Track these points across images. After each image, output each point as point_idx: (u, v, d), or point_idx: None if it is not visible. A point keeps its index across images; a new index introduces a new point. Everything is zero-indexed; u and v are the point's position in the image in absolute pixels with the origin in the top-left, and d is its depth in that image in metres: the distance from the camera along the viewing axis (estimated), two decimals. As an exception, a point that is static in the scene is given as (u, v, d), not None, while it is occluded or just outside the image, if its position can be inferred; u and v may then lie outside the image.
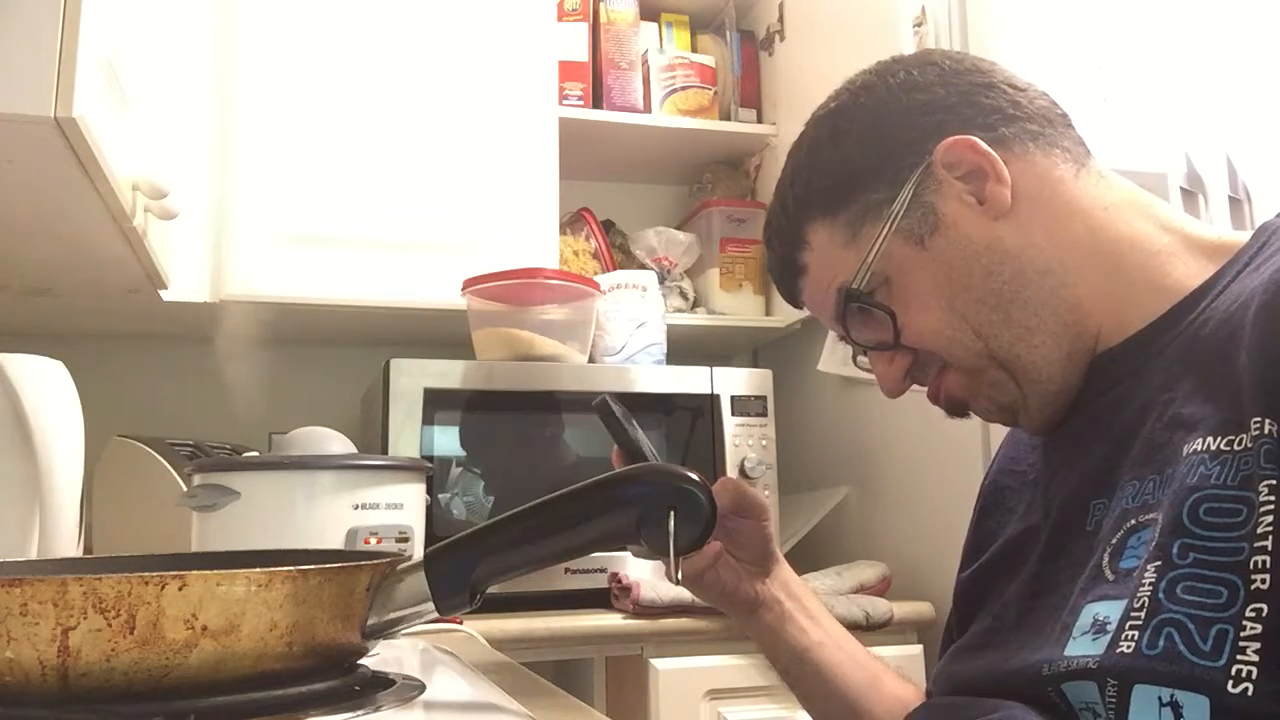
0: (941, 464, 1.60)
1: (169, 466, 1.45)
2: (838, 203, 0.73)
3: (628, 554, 0.80)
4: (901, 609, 1.57)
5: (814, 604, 0.88)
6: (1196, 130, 1.50)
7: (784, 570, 0.87)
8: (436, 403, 1.59)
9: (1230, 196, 1.50)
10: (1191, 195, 1.47)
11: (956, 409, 0.75)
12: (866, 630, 1.50)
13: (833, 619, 0.89)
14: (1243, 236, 0.68)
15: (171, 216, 1.26)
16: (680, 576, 0.69)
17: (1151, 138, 1.47)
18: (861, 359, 0.78)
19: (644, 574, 1.53)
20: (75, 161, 0.99)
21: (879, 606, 1.54)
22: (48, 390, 1.03)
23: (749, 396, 1.73)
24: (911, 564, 1.67)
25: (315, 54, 1.73)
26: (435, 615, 0.62)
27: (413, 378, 1.58)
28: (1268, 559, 0.51)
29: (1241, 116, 1.54)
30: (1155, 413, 0.62)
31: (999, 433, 0.80)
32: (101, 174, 1.02)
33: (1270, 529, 0.51)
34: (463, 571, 0.62)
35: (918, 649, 1.57)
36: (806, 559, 1.78)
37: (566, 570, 1.55)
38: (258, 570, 0.52)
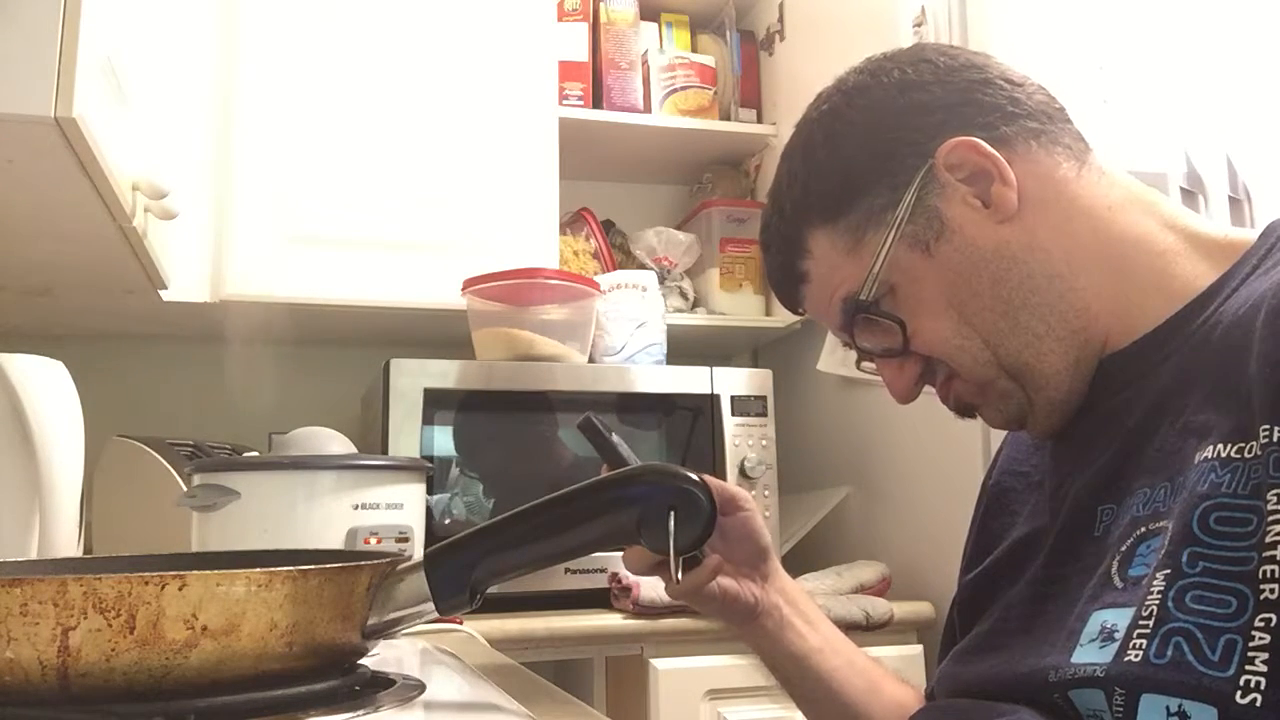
0: (941, 464, 1.60)
1: (169, 466, 1.45)
2: (838, 208, 0.72)
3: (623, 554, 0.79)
4: (901, 609, 1.57)
5: (811, 609, 0.86)
6: (1196, 130, 1.50)
7: (780, 576, 0.85)
8: (436, 403, 1.59)
9: (1230, 196, 1.50)
10: (1191, 195, 1.47)
11: (965, 412, 0.74)
12: (866, 630, 1.50)
13: (830, 624, 0.87)
14: (1248, 235, 0.67)
15: (171, 216, 1.26)
16: (680, 577, 0.69)
17: (1151, 138, 1.47)
18: (866, 364, 0.77)
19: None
20: (75, 161, 0.98)
21: (879, 606, 1.54)
22: (48, 390, 1.03)
23: (749, 396, 1.73)
24: (911, 564, 1.67)
25: (315, 54, 1.73)
26: (435, 615, 0.62)
27: (413, 378, 1.58)
28: (1277, 569, 0.51)
29: (1241, 116, 1.54)
30: (1168, 419, 0.61)
31: (1000, 432, 0.80)
32: (101, 174, 1.02)
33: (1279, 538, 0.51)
34: (463, 571, 0.62)
35: (918, 649, 1.57)
36: (806, 559, 1.78)
37: (566, 570, 1.54)
38: (258, 570, 0.52)
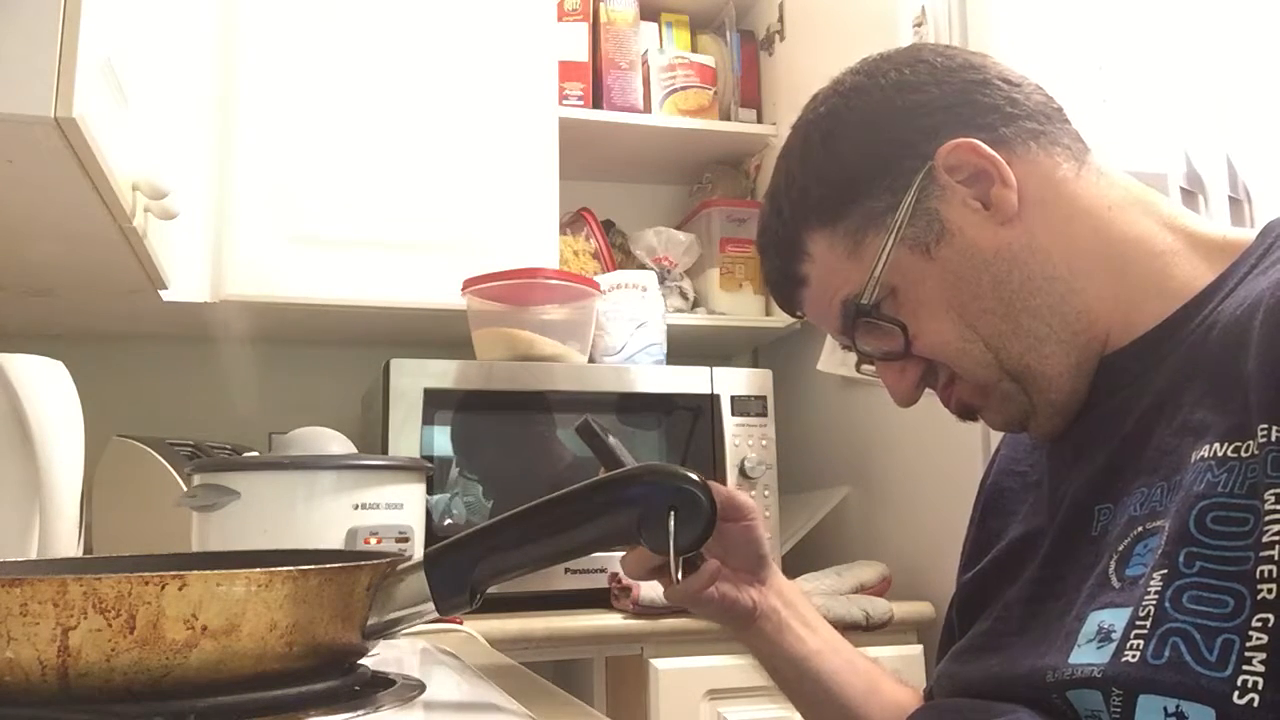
0: (941, 464, 1.60)
1: (169, 466, 1.45)
2: (837, 211, 0.71)
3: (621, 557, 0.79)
4: (901, 609, 1.57)
5: (809, 611, 0.86)
6: (1196, 130, 1.50)
7: (778, 578, 0.85)
8: (436, 403, 1.59)
9: (1230, 196, 1.50)
10: (1191, 195, 1.47)
11: (966, 414, 0.74)
12: (866, 630, 1.50)
13: (828, 625, 0.87)
14: (1246, 234, 0.67)
15: (171, 216, 1.26)
16: (680, 577, 0.69)
17: (1151, 138, 1.47)
18: (866, 366, 0.76)
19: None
20: (75, 161, 0.98)
21: (879, 606, 1.54)
22: (48, 390, 1.03)
23: (749, 396, 1.73)
24: (911, 564, 1.67)
25: (315, 54, 1.73)
26: (435, 615, 0.62)
27: (413, 378, 1.58)
28: (1274, 569, 0.51)
29: (1241, 116, 1.54)
30: (1164, 419, 0.61)
31: (999, 432, 0.80)
32: (101, 174, 1.02)
33: (1277, 538, 0.51)
34: (463, 571, 0.62)
35: (918, 649, 1.57)
36: (806, 559, 1.78)
37: (566, 570, 1.54)
38: (258, 570, 0.52)
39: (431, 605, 0.62)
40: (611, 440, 0.81)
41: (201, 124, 1.66)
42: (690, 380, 1.72)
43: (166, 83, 1.44)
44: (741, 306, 2.07)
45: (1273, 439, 0.53)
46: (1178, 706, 0.51)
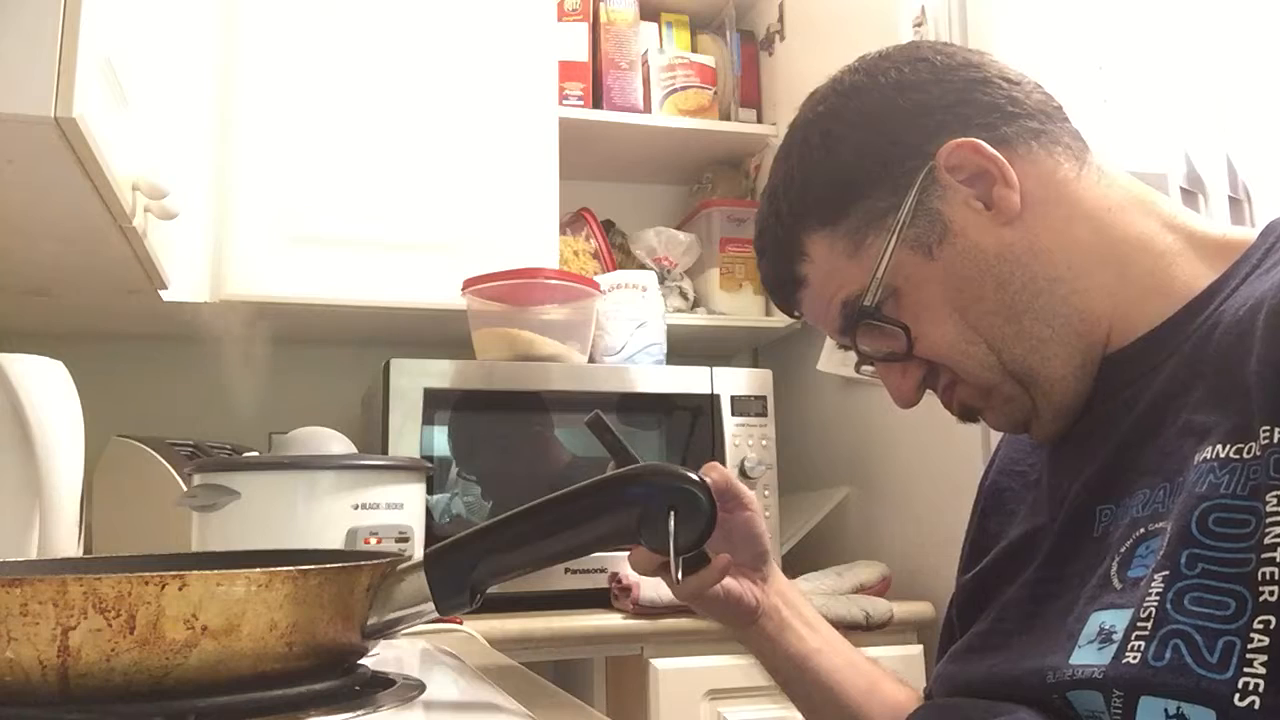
0: (941, 464, 1.60)
1: (169, 466, 1.45)
2: (837, 212, 0.71)
3: (628, 554, 0.79)
4: (901, 609, 1.57)
5: (809, 611, 0.86)
6: (1196, 130, 1.50)
7: (778, 577, 0.85)
8: (436, 403, 1.59)
9: (1230, 196, 1.50)
10: (1191, 195, 1.47)
11: (968, 416, 0.73)
12: (867, 630, 1.50)
13: (829, 625, 0.87)
14: (1248, 234, 0.67)
15: (171, 216, 1.26)
16: (680, 577, 0.69)
17: (1151, 138, 1.47)
18: (865, 367, 0.76)
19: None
20: (75, 161, 0.98)
21: (879, 606, 1.54)
22: (48, 390, 1.03)
23: (749, 396, 1.73)
24: (911, 564, 1.67)
25: (315, 54, 1.73)
26: (435, 615, 0.62)
27: (413, 378, 1.58)
28: (1276, 570, 0.50)
29: (1241, 116, 1.54)
30: (1167, 420, 0.61)
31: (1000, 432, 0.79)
32: (101, 174, 1.02)
33: (1279, 540, 0.51)
34: (463, 571, 0.62)
35: (918, 649, 1.57)
36: (806, 559, 1.78)
37: (566, 570, 1.54)
38: (258, 570, 0.52)
39: (431, 605, 0.62)
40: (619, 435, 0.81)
41: (201, 124, 1.66)
42: (690, 380, 1.72)
43: (166, 83, 1.44)
44: (741, 306, 2.07)
45: (1275, 440, 0.52)
46: (1179, 708, 0.51)
